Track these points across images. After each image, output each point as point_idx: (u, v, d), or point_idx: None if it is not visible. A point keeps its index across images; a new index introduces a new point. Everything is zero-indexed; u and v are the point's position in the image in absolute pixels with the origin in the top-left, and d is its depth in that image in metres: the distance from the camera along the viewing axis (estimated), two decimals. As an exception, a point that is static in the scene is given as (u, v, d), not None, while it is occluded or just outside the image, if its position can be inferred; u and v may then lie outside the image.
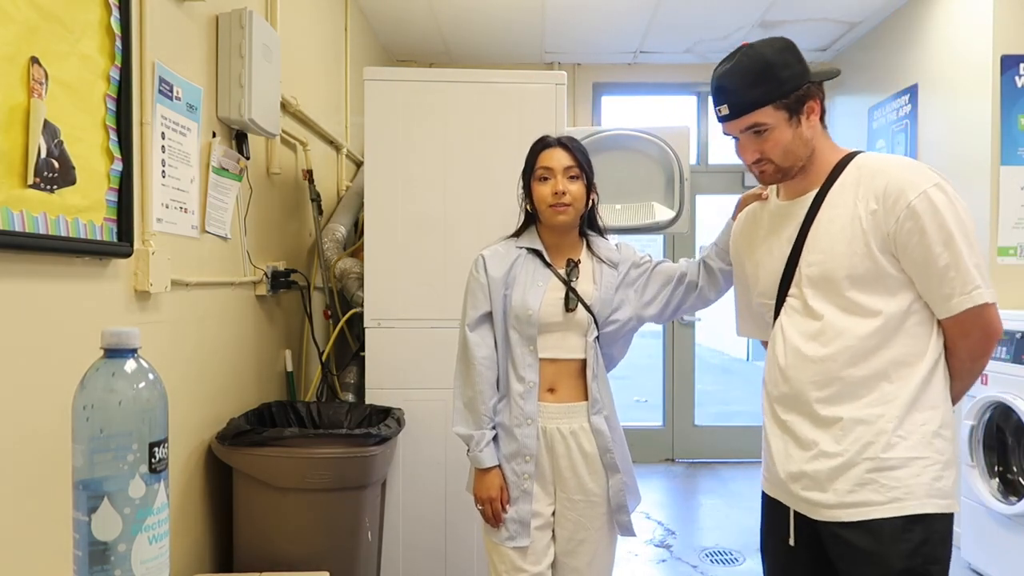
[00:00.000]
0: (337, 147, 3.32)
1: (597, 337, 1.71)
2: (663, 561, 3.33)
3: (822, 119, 1.42)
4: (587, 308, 1.69)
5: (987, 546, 2.96)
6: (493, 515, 1.67)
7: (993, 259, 3.17)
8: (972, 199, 3.18)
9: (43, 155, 1.29)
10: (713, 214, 5.59)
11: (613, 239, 1.86)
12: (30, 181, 1.26)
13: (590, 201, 1.77)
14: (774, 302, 1.47)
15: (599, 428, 1.69)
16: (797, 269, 1.40)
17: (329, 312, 2.90)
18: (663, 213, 3.13)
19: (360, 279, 2.71)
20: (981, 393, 2.91)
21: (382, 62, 4.48)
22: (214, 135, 2.03)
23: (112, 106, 1.50)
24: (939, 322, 1.33)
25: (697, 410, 5.13)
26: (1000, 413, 2.91)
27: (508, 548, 1.67)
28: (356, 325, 2.75)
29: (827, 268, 1.34)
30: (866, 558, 1.29)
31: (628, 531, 1.74)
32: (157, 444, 0.82)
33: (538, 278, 1.71)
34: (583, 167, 1.72)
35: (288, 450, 1.90)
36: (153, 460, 0.81)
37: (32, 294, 1.31)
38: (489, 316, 1.73)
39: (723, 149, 5.17)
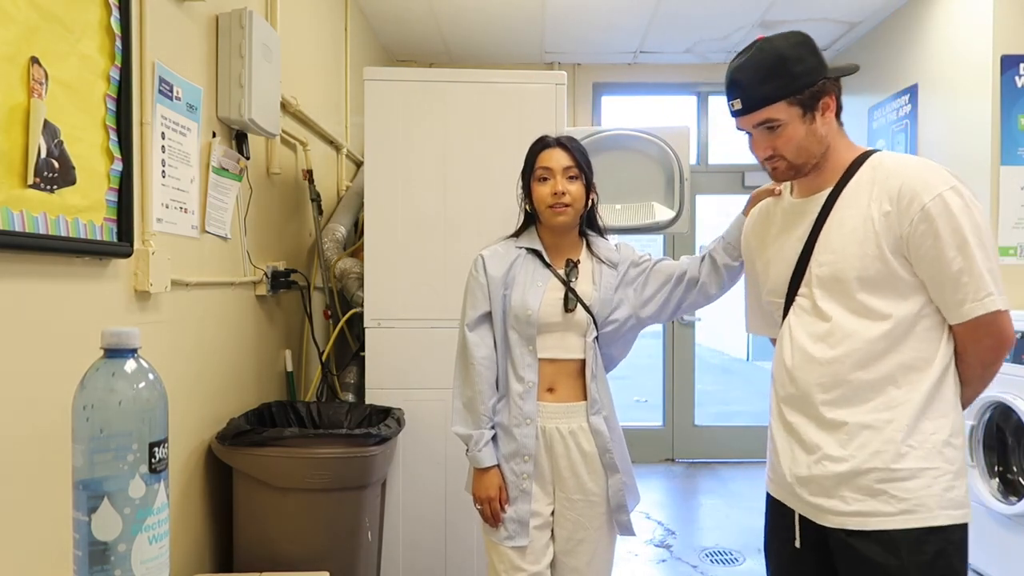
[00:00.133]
0: (337, 147, 3.32)
1: (596, 337, 1.71)
2: (663, 561, 3.33)
3: (838, 116, 1.39)
4: (586, 308, 1.69)
5: (987, 546, 2.96)
6: (492, 515, 1.67)
7: (993, 259, 3.17)
8: (972, 199, 3.17)
9: (43, 155, 1.29)
10: (713, 214, 5.60)
11: (613, 239, 1.86)
12: (30, 181, 1.26)
13: (589, 201, 1.77)
14: (783, 301, 1.44)
15: (598, 428, 1.69)
16: (808, 269, 1.38)
17: (329, 312, 2.90)
18: (663, 213, 3.12)
19: (360, 279, 2.71)
20: (981, 393, 2.90)
21: (382, 62, 4.48)
22: (214, 135, 2.03)
23: (112, 106, 1.50)
24: (950, 327, 1.31)
25: (697, 410, 5.12)
26: (1000, 413, 2.91)
27: (507, 547, 1.67)
28: (356, 325, 2.75)
29: (838, 269, 1.32)
30: (878, 569, 1.26)
31: (627, 531, 1.74)
32: (157, 444, 0.82)
33: (537, 278, 1.71)
34: (582, 167, 1.72)
35: (288, 450, 1.90)
36: (153, 460, 0.81)
37: (32, 294, 1.31)
38: (488, 316, 1.73)
39: (723, 149, 5.17)
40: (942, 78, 3.55)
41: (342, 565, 1.95)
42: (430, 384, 2.49)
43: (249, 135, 2.23)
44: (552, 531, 1.72)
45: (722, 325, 11.14)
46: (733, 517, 3.91)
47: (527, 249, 1.76)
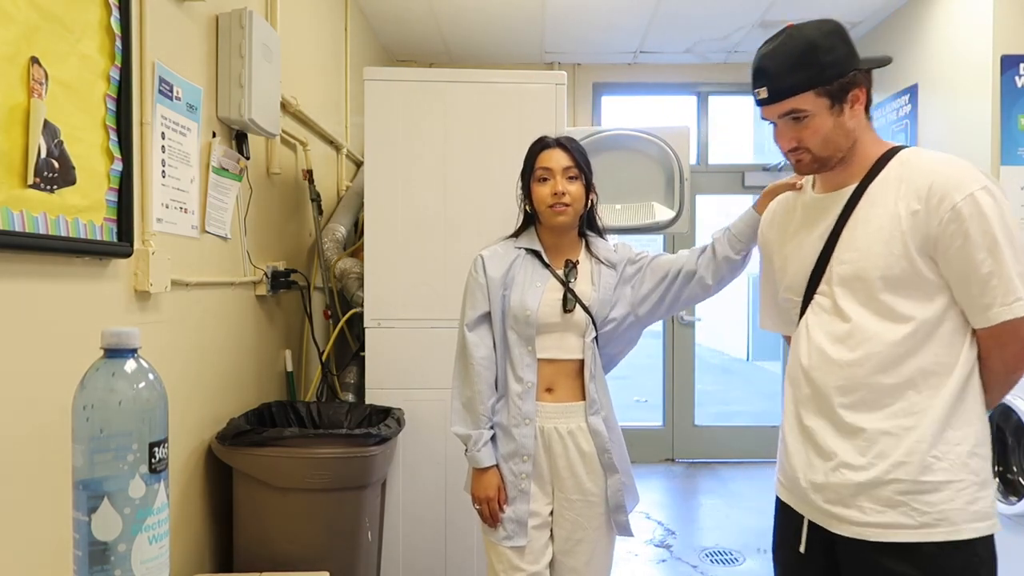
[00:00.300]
0: (337, 147, 3.32)
1: (595, 338, 1.71)
2: (663, 561, 3.34)
3: (867, 110, 1.33)
4: (585, 309, 1.69)
5: (987, 546, 2.96)
6: (490, 515, 1.67)
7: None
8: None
9: (43, 155, 1.29)
10: (713, 214, 5.61)
11: (613, 239, 1.86)
12: (30, 181, 1.26)
13: (589, 201, 1.77)
14: (801, 299, 1.39)
15: (597, 428, 1.69)
16: (828, 266, 1.32)
17: (329, 312, 2.91)
18: (663, 213, 3.13)
19: (360, 279, 2.72)
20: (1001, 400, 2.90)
21: (382, 62, 4.48)
22: (214, 135, 2.03)
23: (112, 106, 1.50)
24: (973, 331, 1.26)
25: (697, 410, 5.12)
26: (1000, 413, 2.91)
27: (505, 547, 1.67)
28: (356, 325, 2.75)
29: (861, 268, 1.27)
30: None
31: (626, 531, 1.74)
32: (157, 444, 0.82)
33: (536, 279, 1.71)
34: (582, 167, 1.72)
35: (288, 450, 1.90)
36: (153, 460, 0.81)
37: (32, 294, 1.31)
38: (488, 316, 1.73)
39: (723, 149, 5.18)
40: (942, 78, 3.55)
41: (342, 565, 1.95)
42: (430, 384, 2.49)
43: (249, 135, 2.23)
44: (551, 531, 1.72)
45: (722, 325, 11.19)
46: (733, 517, 3.91)
47: (526, 249, 1.76)
